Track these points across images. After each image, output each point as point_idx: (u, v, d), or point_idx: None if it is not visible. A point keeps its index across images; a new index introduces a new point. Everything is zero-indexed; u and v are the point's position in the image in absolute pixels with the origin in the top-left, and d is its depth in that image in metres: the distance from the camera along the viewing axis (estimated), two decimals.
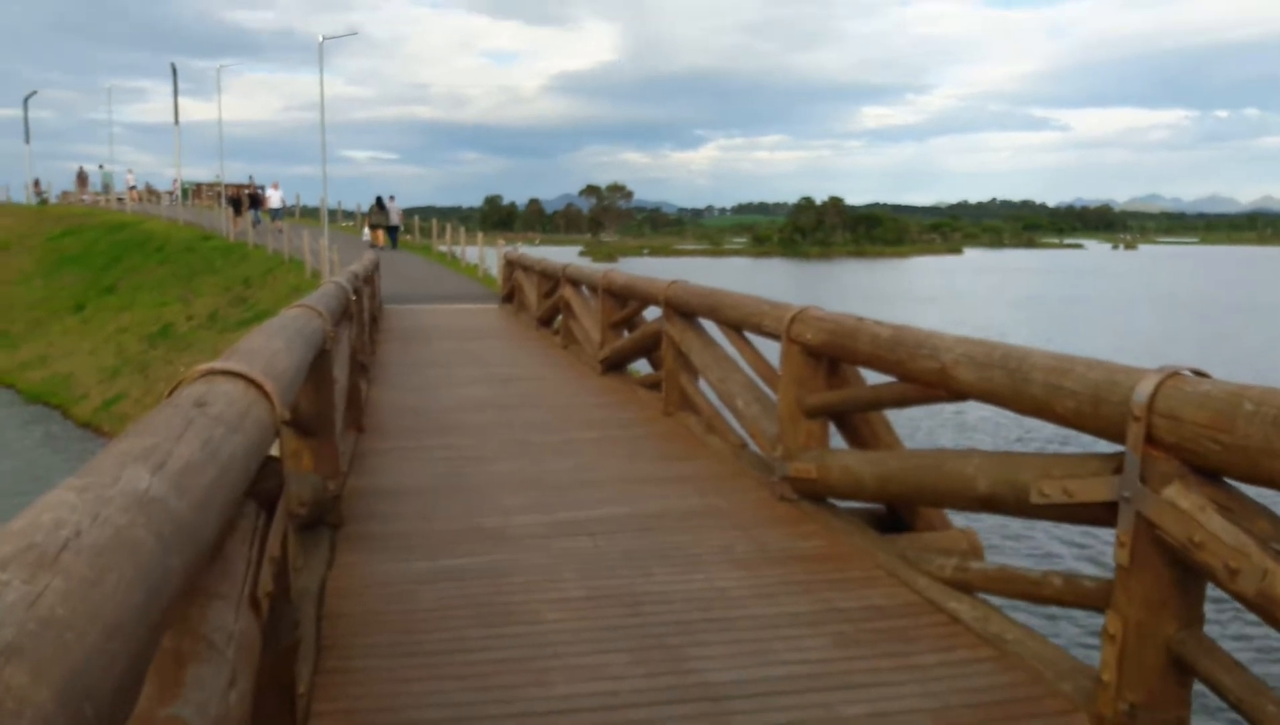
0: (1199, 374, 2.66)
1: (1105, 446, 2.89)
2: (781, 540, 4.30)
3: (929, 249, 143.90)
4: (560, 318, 12.42)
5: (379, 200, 35.57)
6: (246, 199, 37.27)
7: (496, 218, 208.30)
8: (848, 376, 4.76)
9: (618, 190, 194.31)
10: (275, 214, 37.19)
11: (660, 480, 5.38)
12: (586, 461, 5.86)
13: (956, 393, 3.58)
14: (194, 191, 53.71)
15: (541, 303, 14.35)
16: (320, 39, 27.98)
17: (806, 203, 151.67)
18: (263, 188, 40.14)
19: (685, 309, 6.89)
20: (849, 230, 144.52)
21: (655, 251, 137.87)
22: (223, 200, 40.05)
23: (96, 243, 39.42)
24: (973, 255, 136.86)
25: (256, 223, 34.20)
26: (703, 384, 6.82)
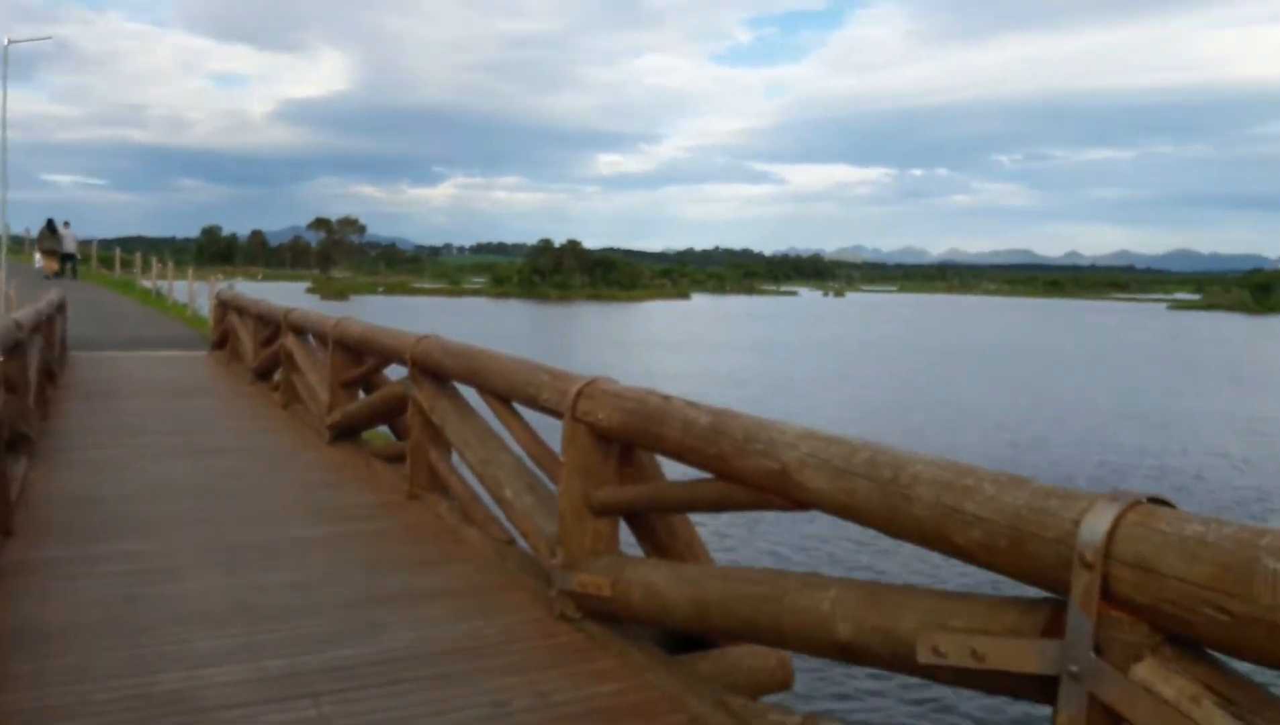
0: (1159, 502, 2.01)
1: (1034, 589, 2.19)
2: (570, 686, 3.34)
3: (660, 293, 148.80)
4: (281, 371, 10.89)
5: (49, 223, 31.68)
6: None
7: (215, 250, 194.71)
8: (646, 466, 3.92)
9: (350, 224, 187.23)
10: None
11: (409, 598, 4.27)
12: (311, 573, 4.64)
13: (801, 503, 2.80)
14: None
15: (259, 352, 12.66)
16: (6, 41, 24.23)
17: (545, 245, 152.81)
18: None
19: (439, 371, 5.83)
20: (586, 273, 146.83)
21: (391, 290, 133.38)
22: None
23: None
24: (700, 300, 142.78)
25: None
26: (460, 460, 5.78)
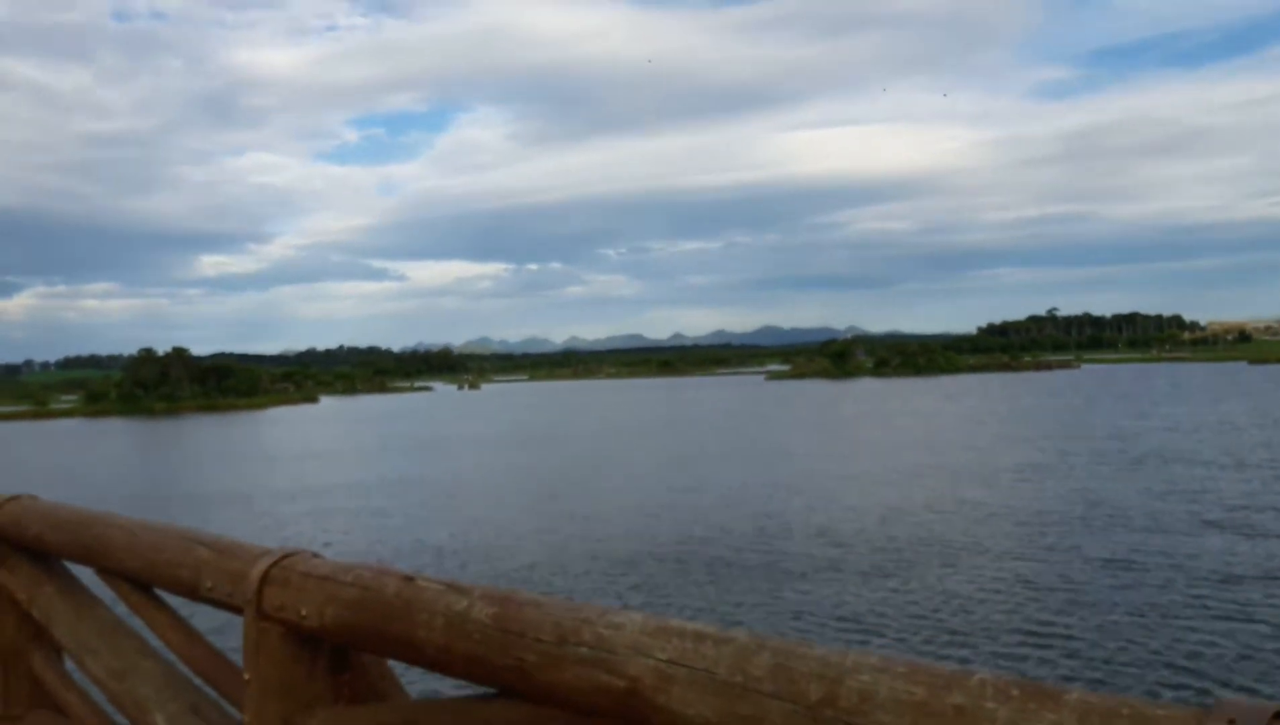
0: None
1: None
2: None
3: (284, 399, 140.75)
4: None
5: None
6: None
7: None
8: (375, 672, 2.87)
9: None
10: None
11: None
12: None
13: None
14: None
15: None
16: None
17: (147, 354, 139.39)
18: None
19: (37, 546, 4.29)
20: (197, 382, 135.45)
21: None
22: None
23: None
24: (329, 402, 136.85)
25: None
26: (79, 668, 4.25)
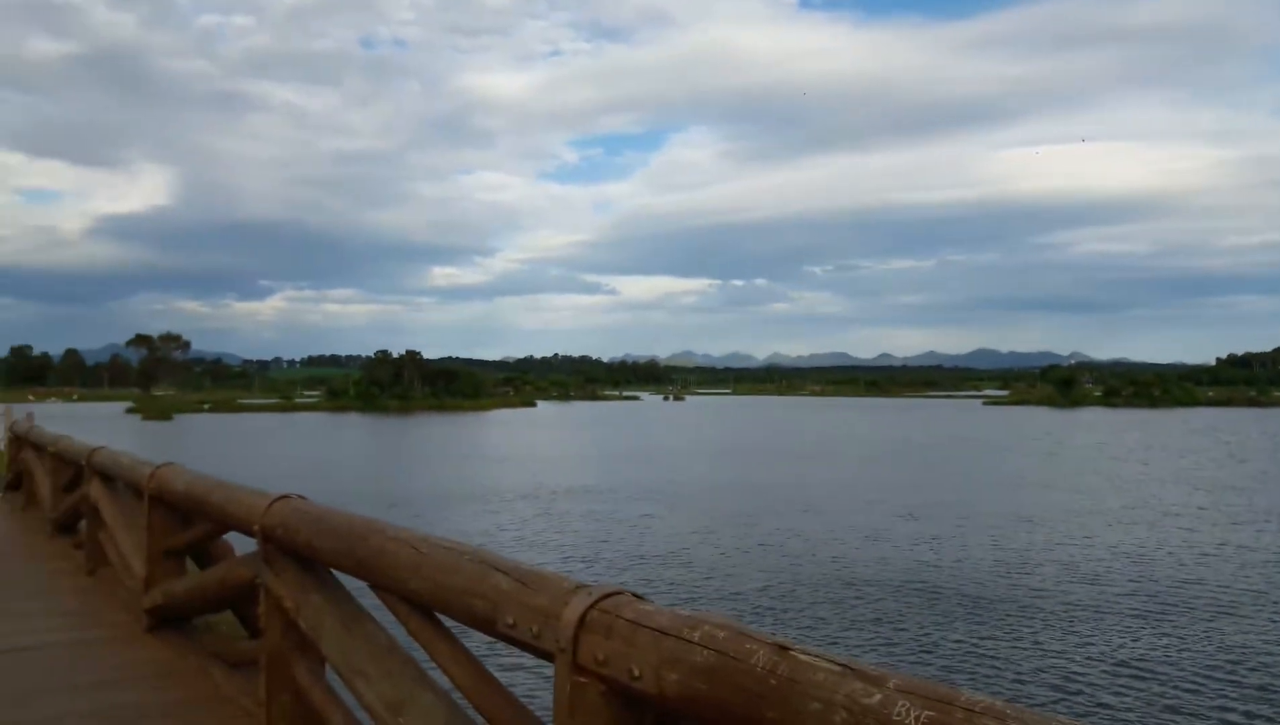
0: None
1: None
2: None
3: (505, 402, 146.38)
4: (85, 524, 8.66)
5: None
6: None
7: (26, 370, 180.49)
8: None
9: (172, 340, 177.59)
10: None
11: None
12: None
13: None
14: None
15: (59, 498, 10.31)
16: None
17: (383, 356, 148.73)
18: None
19: (306, 553, 4.06)
20: (427, 383, 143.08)
21: (218, 407, 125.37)
22: None
23: None
24: (545, 407, 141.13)
25: None
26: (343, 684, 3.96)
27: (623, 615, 2.28)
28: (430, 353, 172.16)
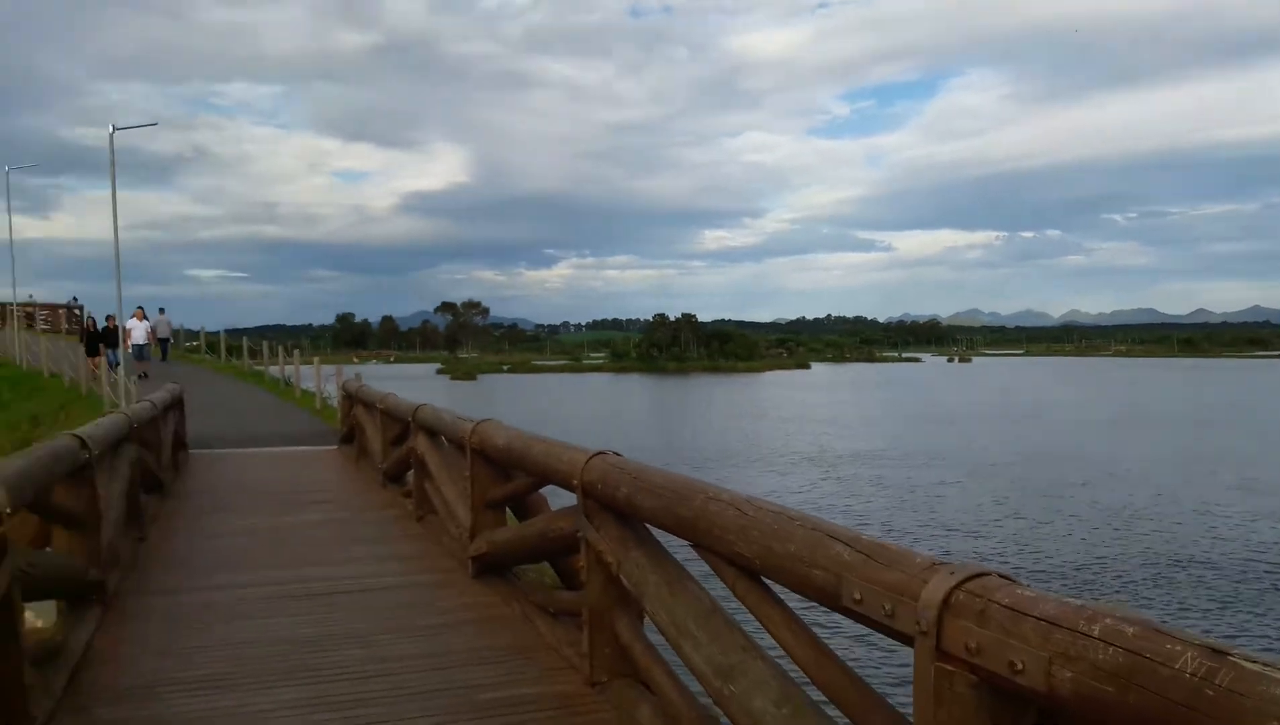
0: None
1: None
2: None
3: (778, 363, 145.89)
4: (413, 475, 9.40)
5: (108, 319, 27.45)
6: (102, 333, 26.42)
7: (349, 336, 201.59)
8: None
9: (474, 307, 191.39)
10: (139, 351, 27.23)
11: None
12: None
13: None
14: None
15: (388, 451, 11.28)
16: (112, 129, 24.13)
17: (660, 319, 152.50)
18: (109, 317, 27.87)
19: (627, 509, 4.09)
20: (703, 345, 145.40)
21: (516, 368, 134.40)
22: (82, 334, 29.43)
23: None
24: (820, 369, 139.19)
25: (114, 364, 24.51)
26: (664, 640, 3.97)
27: (996, 599, 2.04)
28: (704, 315, 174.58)
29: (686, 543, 3.51)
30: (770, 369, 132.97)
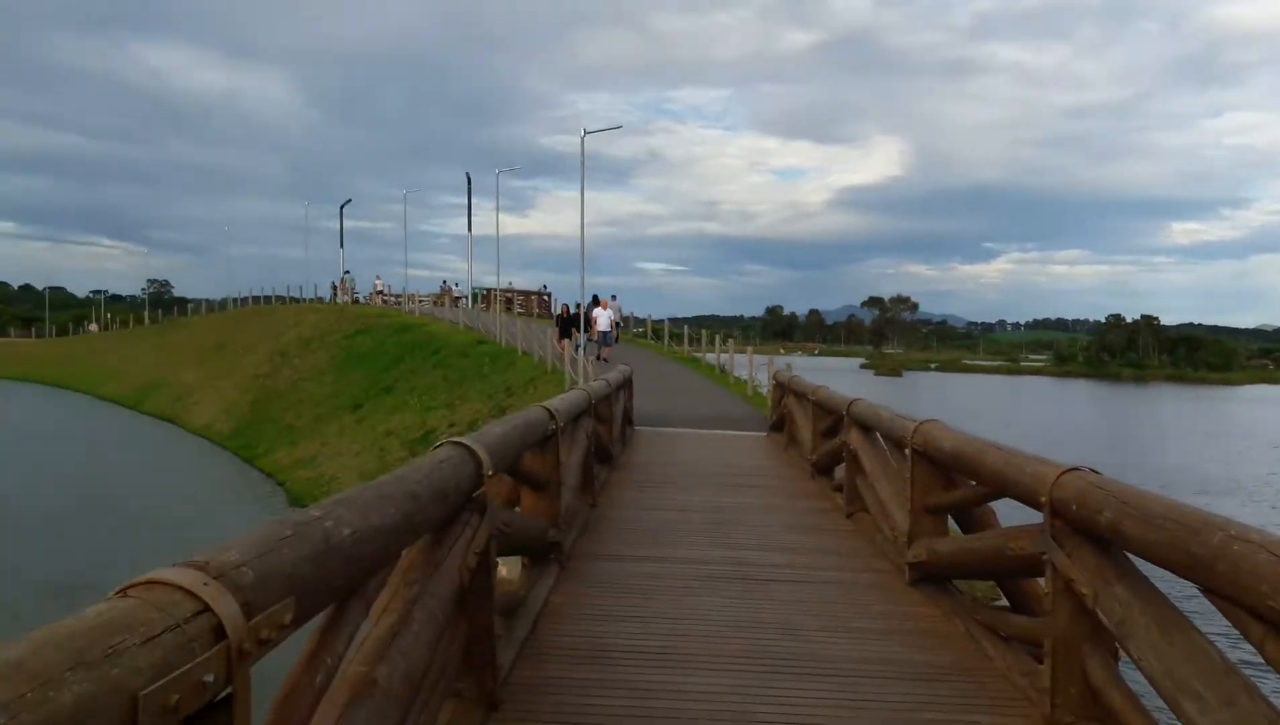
0: None
1: None
2: None
3: (1262, 376, 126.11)
4: (844, 469, 9.21)
5: (595, 298, 29.69)
6: (573, 318, 28.67)
7: (777, 327, 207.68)
8: None
9: (902, 302, 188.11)
10: (603, 338, 28.66)
11: None
12: None
13: None
14: (483, 296, 55.28)
15: (818, 443, 11.20)
16: (583, 131, 26.90)
17: (1115, 321, 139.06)
18: (574, 304, 30.00)
19: (1110, 536, 3.53)
20: (1165, 352, 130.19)
21: (944, 366, 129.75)
22: (554, 318, 32.37)
23: (383, 343, 40.58)
24: None
25: (578, 349, 26.51)
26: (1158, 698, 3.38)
27: None
28: (1167, 318, 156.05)
29: (1195, 585, 2.93)
30: (1251, 382, 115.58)
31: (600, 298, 29.98)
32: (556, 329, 29.18)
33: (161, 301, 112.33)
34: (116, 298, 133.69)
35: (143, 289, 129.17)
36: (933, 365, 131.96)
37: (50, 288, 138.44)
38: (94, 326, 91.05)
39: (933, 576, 5.98)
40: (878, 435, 8.04)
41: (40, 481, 27.03)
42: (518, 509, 6.39)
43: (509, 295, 53.75)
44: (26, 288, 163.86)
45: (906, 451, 6.40)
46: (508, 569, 5.35)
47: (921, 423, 6.27)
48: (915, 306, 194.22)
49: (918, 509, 6.19)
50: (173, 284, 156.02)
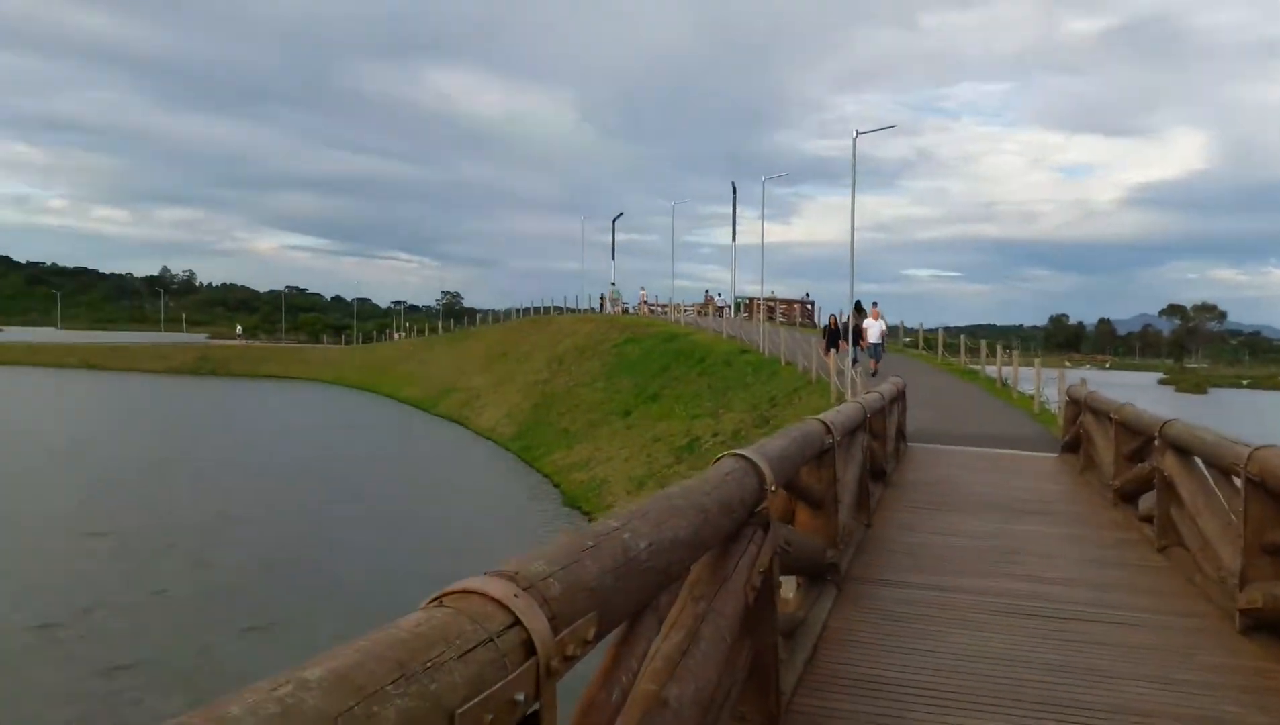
0: None
1: None
2: None
3: None
4: (1155, 499, 8.30)
5: (858, 306, 28.52)
6: (842, 330, 28.15)
7: (1061, 337, 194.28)
8: None
9: (1207, 311, 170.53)
10: (874, 351, 27.79)
11: None
12: None
13: None
14: (746, 305, 55.51)
15: (1121, 467, 10.20)
16: (855, 132, 26.52)
17: None
18: (842, 312, 29.74)
19: None
20: None
21: (1258, 383, 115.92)
22: (822, 329, 32.11)
23: (651, 352, 41.65)
24: None
25: (853, 362, 25.68)
26: None
27: None
28: None
29: None
30: None
31: (865, 306, 28.94)
32: (824, 340, 28.59)
33: (453, 312, 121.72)
34: (414, 308, 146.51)
35: (436, 300, 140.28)
36: (1244, 382, 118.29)
37: (358, 299, 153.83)
38: (399, 335, 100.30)
39: (1272, 626, 5.22)
40: (1197, 460, 7.17)
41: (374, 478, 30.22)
42: (792, 526, 6.23)
43: (771, 304, 53.62)
44: (338, 299, 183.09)
45: (1238, 481, 5.64)
46: (785, 588, 5.20)
47: (1257, 448, 5.50)
48: (1223, 315, 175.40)
49: (1252, 547, 5.43)
50: (462, 295, 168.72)
